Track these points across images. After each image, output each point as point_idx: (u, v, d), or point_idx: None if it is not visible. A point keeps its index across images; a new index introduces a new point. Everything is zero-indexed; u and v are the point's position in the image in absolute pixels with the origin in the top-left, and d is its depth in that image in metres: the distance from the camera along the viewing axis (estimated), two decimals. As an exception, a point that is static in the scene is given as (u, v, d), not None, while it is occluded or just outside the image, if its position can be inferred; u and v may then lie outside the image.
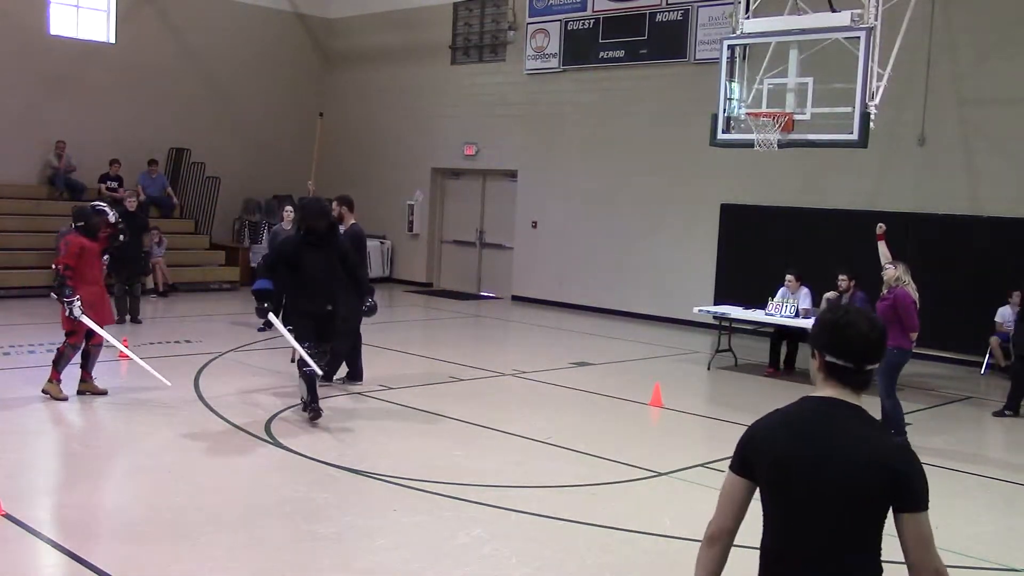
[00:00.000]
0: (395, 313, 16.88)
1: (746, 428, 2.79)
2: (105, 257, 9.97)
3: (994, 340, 12.51)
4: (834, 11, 10.78)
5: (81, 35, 18.69)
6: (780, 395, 9.96)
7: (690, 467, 7.68)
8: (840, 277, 11.25)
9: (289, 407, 8.87)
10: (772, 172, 14.48)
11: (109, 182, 18.02)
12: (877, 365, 2.67)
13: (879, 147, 12.10)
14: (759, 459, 2.67)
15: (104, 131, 18.36)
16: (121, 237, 9.26)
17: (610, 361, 12.66)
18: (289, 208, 13.43)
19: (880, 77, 10.41)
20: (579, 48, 17.44)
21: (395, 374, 10.74)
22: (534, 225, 18.43)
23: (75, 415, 8.58)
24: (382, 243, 20.66)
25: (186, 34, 19.66)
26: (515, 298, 18.69)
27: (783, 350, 12.18)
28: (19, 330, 12.59)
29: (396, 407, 9.25)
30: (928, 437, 9.00)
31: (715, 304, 14.18)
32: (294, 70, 21.26)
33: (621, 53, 16.83)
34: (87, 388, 9.00)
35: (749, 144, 11.24)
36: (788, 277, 12.00)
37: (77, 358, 8.91)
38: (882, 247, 10.47)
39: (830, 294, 11.26)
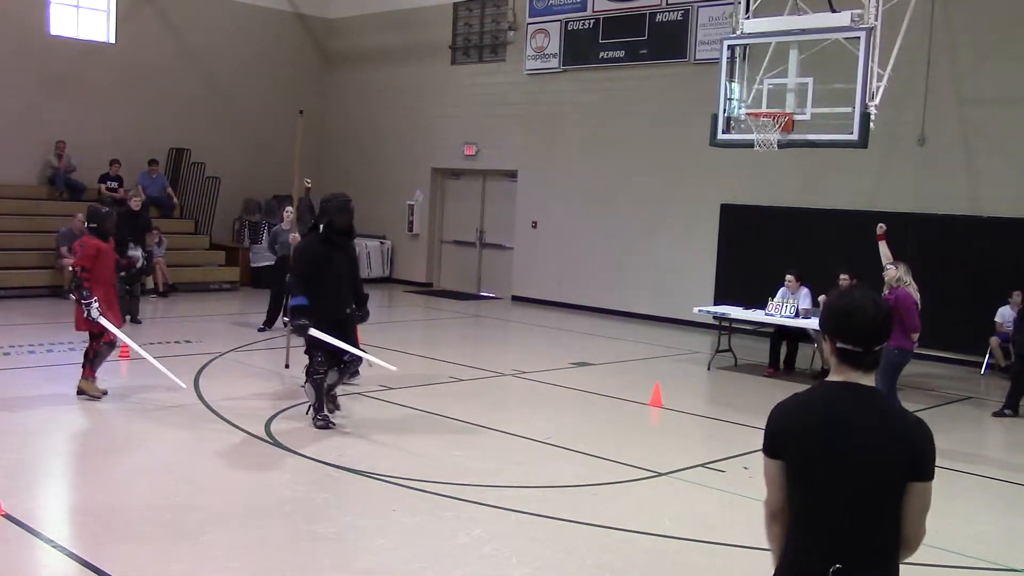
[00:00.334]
0: (395, 313, 16.88)
1: (768, 412, 2.86)
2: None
3: (994, 340, 12.52)
4: (834, 11, 10.77)
5: (81, 35, 18.69)
6: (780, 395, 9.86)
7: (690, 467, 7.68)
8: (841, 276, 11.23)
9: (289, 407, 8.87)
10: (772, 172, 14.49)
11: (109, 182, 18.02)
12: (887, 344, 2.79)
13: (879, 147, 12.10)
14: (784, 441, 2.77)
15: (104, 131, 18.36)
16: (139, 269, 9.17)
17: (610, 361, 12.66)
18: (289, 208, 13.39)
19: (880, 77, 10.40)
20: (579, 48, 17.44)
21: (395, 374, 10.72)
22: (534, 225, 18.43)
23: (75, 415, 8.57)
24: (382, 243, 20.68)
25: (186, 34, 19.66)
26: (515, 298, 18.69)
27: (783, 350, 12.19)
28: (19, 330, 12.60)
29: (396, 407, 9.26)
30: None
31: (715, 304, 14.18)
32: (294, 70, 21.26)
33: (621, 53, 16.83)
34: (87, 388, 8.99)
35: (749, 144, 11.24)
36: (788, 277, 12.00)
37: (78, 357, 8.90)
38: (883, 247, 10.46)
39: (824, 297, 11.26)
